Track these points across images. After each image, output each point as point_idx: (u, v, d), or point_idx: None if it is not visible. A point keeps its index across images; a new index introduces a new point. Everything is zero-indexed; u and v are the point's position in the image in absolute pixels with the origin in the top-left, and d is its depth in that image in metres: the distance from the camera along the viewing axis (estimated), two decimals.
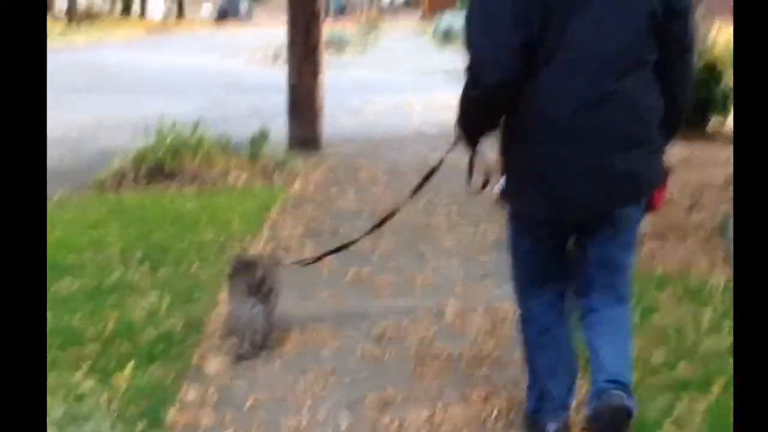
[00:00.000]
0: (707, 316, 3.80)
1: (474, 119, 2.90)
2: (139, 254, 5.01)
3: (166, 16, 48.07)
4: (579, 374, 3.09)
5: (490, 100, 2.79)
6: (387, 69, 16.92)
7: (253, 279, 3.89)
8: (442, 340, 3.85)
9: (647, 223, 5.03)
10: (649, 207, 2.91)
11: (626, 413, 2.81)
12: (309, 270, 4.80)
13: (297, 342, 3.86)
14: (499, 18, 2.71)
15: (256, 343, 3.76)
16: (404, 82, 14.47)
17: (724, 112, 8.57)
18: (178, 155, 7.12)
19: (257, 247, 5.22)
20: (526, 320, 3.09)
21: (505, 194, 2.90)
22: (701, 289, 4.15)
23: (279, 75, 9.23)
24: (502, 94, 2.76)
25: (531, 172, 2.81)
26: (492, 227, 5.36)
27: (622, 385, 2.83)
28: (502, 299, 4.08)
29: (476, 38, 2.79)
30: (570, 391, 3.05)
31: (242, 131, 8.81)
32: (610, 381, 2.83)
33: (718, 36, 9.39)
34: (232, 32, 31.48)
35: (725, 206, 5.38)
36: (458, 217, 5.71)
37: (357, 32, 24.38)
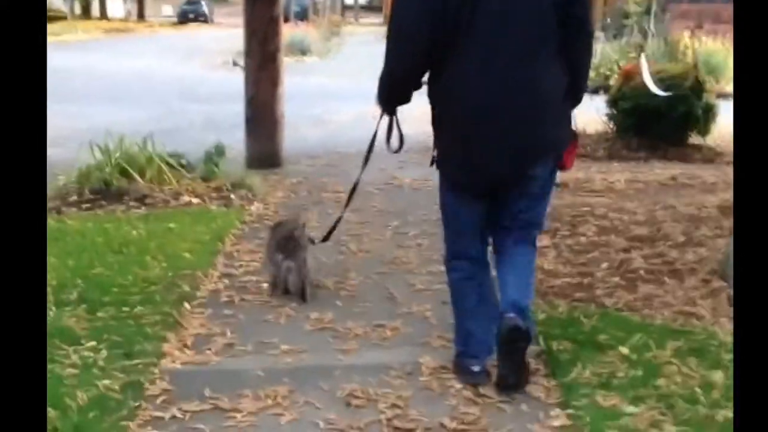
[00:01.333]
0: (719, 380, 3.34)
1: (387, 97, 3.56)
2: (75, 294, 4.48)
3: (126, 17, 47.20)
4: None
5: (397, 84, 3.44)
6: (350, 76, 16.41)
7: (281, 237, 4.57)
8: (418, 406, 3.36)
9: (642, 262, 4.73)
10: (561, 167, 3.44)
11: (522, 332, 3.32)
12: (264, 314, 4.32)
13: (251, 409, 3.34)
14: (409, 15, 3.24)
15: (296, 292, 4.49)
16: (367, 89, 13.98)
17: (705, 127, 8.19)
18: (127, 173, 6.58)
19: (207, 286, 4.70)
20: (452, 269, 3.61)
21: (436, 161, 3.49)
22: (708, 344, 3.70)
23: (238, 81, 8.67)
24: (407, 81, 3.39)
25: (453, 145, 3.39)
26: None
27: (519, 310, 3.35)
28: None
29: (391, 32, 3.33)
30: (491, 334, 3.45)
31: (197, 146, 8.29)
32: (509, 306, 3.34)
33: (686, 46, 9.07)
34: (192, 34, 30.77)
35: (722, 241, 4.97)
36: (430, 250, 5.22)
37: (319, 37, 23.84)
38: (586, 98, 3.59)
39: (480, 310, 3.52)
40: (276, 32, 7.67)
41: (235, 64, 16.97)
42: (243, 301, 4.50)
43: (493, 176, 3.34)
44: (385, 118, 3.71)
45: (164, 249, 5.28)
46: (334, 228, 4.54)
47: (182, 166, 6.88)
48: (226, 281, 4.78)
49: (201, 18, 46.15)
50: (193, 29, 36.10)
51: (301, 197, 6.75)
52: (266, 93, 7.70)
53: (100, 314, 4.23)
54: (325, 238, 4.56)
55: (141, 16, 47.83)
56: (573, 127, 3.44)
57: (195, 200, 6.40)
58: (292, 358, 3.81)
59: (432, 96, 3.40)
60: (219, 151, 6.92)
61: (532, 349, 3.56)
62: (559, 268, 4.67)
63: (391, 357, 3.81)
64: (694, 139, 8.32)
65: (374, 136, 3.89)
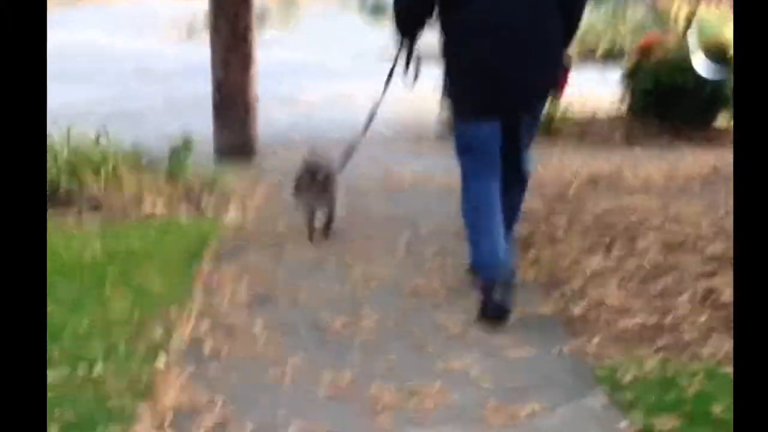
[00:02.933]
0: None
1: (402, 24, 3.88)
2: None
3: None
4: None
5: (407, 11, 3.86)
6: (315, 50, 15.26)
7: (309, 172, 4.71)
8: None
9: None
10: (555, 94, 3.94)
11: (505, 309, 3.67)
12: (262, 371, 3.35)
13: None
14: None
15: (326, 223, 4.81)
16: (337, 65, 12.80)
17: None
18: (77, 173, 5.50)
19: (186, 330, 3.70)
20: (468, 194, 3.87)
21: (446, 93, 3.88)
22: None
23: (198, 55, 7.56)
24: (419, 8, 3.81)
25: (463, 78, 3.79)
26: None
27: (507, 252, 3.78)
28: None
29: None
30: (501, 250, 3.76)
31: (158, 134, 7.22)
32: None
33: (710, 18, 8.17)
34: (146, 2, 29.05)
35: None
36: (455, 276, 4.25)
37: (277, 6, 22.55)
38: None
39: (493, 230, 3.78)
40: (248, 8, 6.61)
41: (191, 31, 15.76)
42: (233, 352, 3.52)
43: (506, 106, 3.76)
44: (404, 50, 3.98)
45: (127, 276, 4.27)
46: (350, 155, 4.80)
47: (143, 162, 5.83)
48: (208, 321, 3.79)
49: None
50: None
51: (284, 198, 5.73)
52: (237, 76, 6.65)
53: (48, 377, 3.22)
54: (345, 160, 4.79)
55: None
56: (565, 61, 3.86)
57: (160, 207, 5.36)
58: None
59: (445, 29, 3.80)
60: (186, 145, 5.87)
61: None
62: (629, 302, 3.74)
63: None
64: (719, 121, 7.42)
65: (392, 68, 4.10)
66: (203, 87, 6.88)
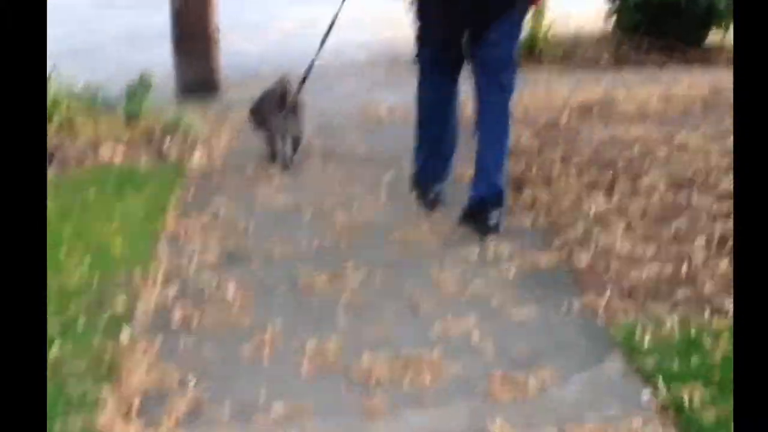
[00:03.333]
0: None
1: None
2: None
3: None
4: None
5: None
6: None
7: (278, 96, 4.63)
8: None
9: None
10: (532, 3, 3.87)
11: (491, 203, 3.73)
12: (239, 343, 3.01)
13: None
14: None
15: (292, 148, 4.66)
16: None
17: (725, 22, 6.85)
18: None
19: (151, 295, 3.33)
20: (423, 94, 3.91)
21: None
22: None
23: None
24: None
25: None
26: (510, 241, 3.61)
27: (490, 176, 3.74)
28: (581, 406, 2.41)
29: None
30: (448, 162, 3.98)
31: (118, 69, 6.74)
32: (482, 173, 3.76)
33: None
34: None
35: None
36: (446, 221, 3.89)
37: None
38: None
39: (444, 137, 3.91)
40: None
41: None
42: (204, 321, 3.16)
43: (462, 12, 3.68)
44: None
45: (84, 234, 3.87)
46: (308, 72, 4.63)
47: (99, 104, 5.36)
48: (176, 284, 3.41)
49: None
50: None
51: (252, 137, 5.31)
52: (196, 4, 6.14)
53: None
54: (301, 84, 4.62)
55: None
56: None
57: (119, 153, 4.92)
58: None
59: None
60: (144, 83, 5.40)
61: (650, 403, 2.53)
62: (639, 250, 3.40)
63: (441, 421, 2.54)
64: (713, 37, 7.00)
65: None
66: (166, 19, 6.36)
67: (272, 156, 4.74)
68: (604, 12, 7.38)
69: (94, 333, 3.06)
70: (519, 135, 4.86)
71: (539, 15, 6.87)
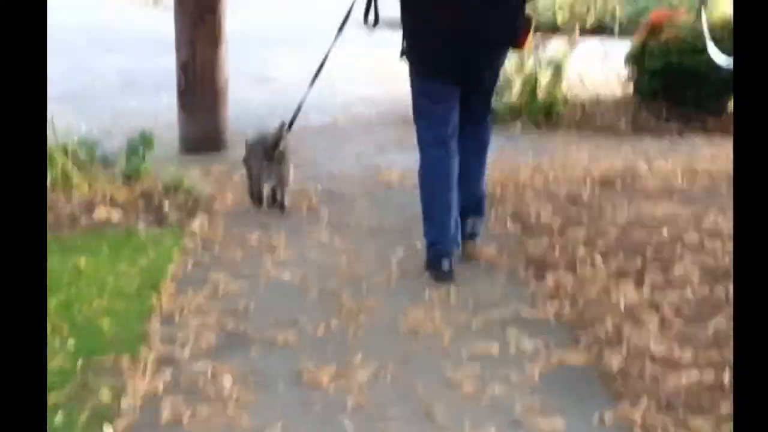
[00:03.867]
0: None
1: None
2: None
3: None
4: None
5: None
6: (284, 12, 14.39)
7: (267, 146, 4.72)
8: None
9: None
10: (516, 45, 3.94)
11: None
12: None
13: None
14: None
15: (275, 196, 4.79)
16: (308, 33, 11.78)
17: None
18: None
19: (140, 386, 3.03)
20: (427, 157, 3.93)
21: (406, 53, 3.89)
22: None
23: (164, 23, 6.76)
24: None
25: (421, 35, 3.84)
26: (534, 336, 3.31)
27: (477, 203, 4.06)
28: None
29: None
30: (457, 225, 3.95)
31: (115, 117, 6.52)
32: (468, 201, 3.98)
33: None
34: None
35: None
36: (462, 308, 3.60)
37: None
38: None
39: (451, 202, 3.87)
40: None
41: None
42: (197, 418, 2.86)
43: (457, 60, 3.78)
44: None
45: (70, 310, 3.58)
46: (295, 116, 4.76)
47: (96, 160, 5.10)
48: (168, 372, 3.12)
49: None
50: None
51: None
52: (205, 56, 5.90)
53: None
54: (289, 126, 4.75)
55: None
56: (526, 14, 3.84)
57: (115, 214, 4.65)
58: None
59: None
60: (146, 140, 5.15)
61: None
62: (675, 352, 3.10)
63: None
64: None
65: (349, 10, 4.24)
66: (169, 61, 6.11)
67: (256, 199, 4.87)
68: (622, 76, 7.16)
69: (73, 429, 2.77)
70: (539, 210, 4.61)
71: (558, 78, 6.66)
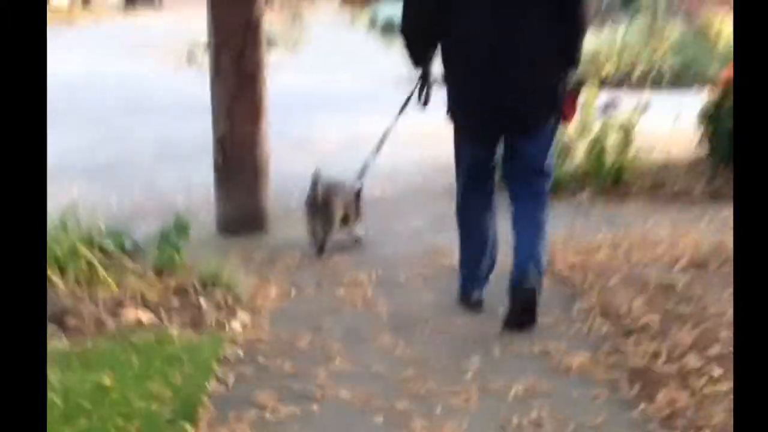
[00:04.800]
0: None
1: (409, 53, 4.04)
2: None
3: (70, 3, 43.92)
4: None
5: (410, 41, 3.99)
6: (328, 72, 13.99)
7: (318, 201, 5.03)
8: None
9: None
10: (564, 119, 3.94)
11: (533, 291, 3.84)
12: None
13: None
14: None
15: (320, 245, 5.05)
16: (351, 95, 11.43)
17: None
18: None
19: None
20: (463, 210, 4.12)
21: (449, 111, 4.00)
22: None
23: (200, 86, 6.27)
24: (417, 38, 3.98)
25: (460, 96, 3.94)
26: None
27: (532, 262, 3.85)
28: None
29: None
30: (491, 269, 4.13)
31: (148, 190, 6.04)
32: (524, 261, 3.85)
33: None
34: (141, 23, 27.60)
35: None
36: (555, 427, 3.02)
37: (282, 23, 21.24)
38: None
39: (486, 246, 4.06)
40: (257, 42, 5.33)
41: (191, 58, 14.43)
42: None
43: (496, 123, 3.88)
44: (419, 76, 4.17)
45: None
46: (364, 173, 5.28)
47: (125, 251, 4.59)
48: None
49: (152, 3, 42.71)
50: (141, 18, 32.40)
51: (307, 297, 4.48)
52: (244, 130, 5.39)
53: None
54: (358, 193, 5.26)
55: (86, 1, 44.39)
56: (571, 83, 3.83)
57: (146, 316, 4.12)
58: None
59: (443, 52, 3.92)
60: (181, 227, 4.62)
61: None
62: None
63: None
64: None
65: (410, 95, 4.29)
66: (206, 126, 5.64)
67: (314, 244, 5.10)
68: (693, 136, 6.57)
69: None
70: (630, 303, 3.99)
71: (627, 141, 6.09)
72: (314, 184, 5.01)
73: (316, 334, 3.94)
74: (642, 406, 3.14)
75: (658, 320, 3.75)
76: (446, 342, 3.82)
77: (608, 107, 6.12)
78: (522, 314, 3.81)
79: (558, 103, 3.81)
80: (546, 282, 4.38)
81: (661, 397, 3.15)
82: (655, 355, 3.46)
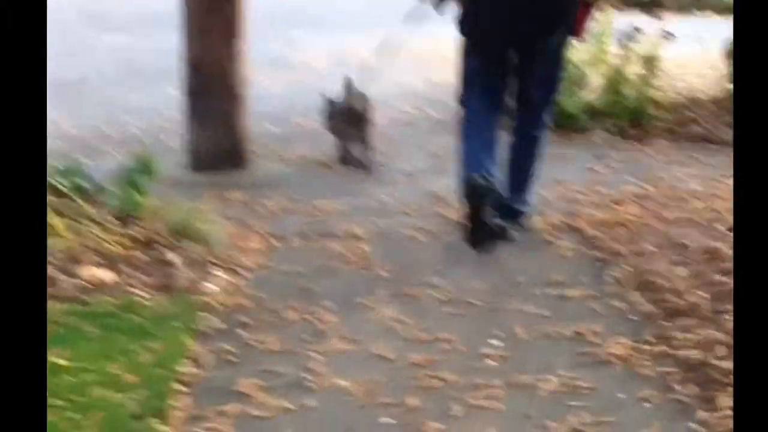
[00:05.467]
0: None
1: None
2: None
3: None
4: None
5: None
6: None
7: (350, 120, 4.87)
8: None
9: None
10: (573, 33, 3.83)
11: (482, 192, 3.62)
12: None
13: None
14: None
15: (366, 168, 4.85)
16: (335, 8, 10.58)
17: None
18: None
19: None
20: (464, 115, 3.89)
21: (460, 23, 3.82)
22: None
23: None
24: None
25: (470, 11, 3.79)
26: None
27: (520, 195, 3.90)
28: None
29: None
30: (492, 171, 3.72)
31: (110, 115, 5.45)
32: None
33: None
34: None
35: None
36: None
37: None
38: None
39: (488, 144, 3.80)
40: None
41: None
42: None
43: (507, 39, 3.76)
44: None
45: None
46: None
47: (82, 191, 3.95)
48: None
49: None
50: None
51: (294, 251, 3.91)
52: (219, 51, 4.72)
53: None
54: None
55: None
56: None
57: (107, 275, 3.52)
58: None
59: None
60: (146, 165, 3.99)
61: None
62: None
63: None
64: None
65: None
66: (176, 43, 4.87)
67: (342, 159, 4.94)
68: (720, 69, 5.95)
69: None
70: (671, 276, 3.43)
71: (651, 74, 5.48)
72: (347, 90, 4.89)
73: (305, 300, 3.37)
74: (700, 413, 2.62)
75: (708, 300, 3.20)
76: (458, 317, 3.26)
77: (629, 35, 5.48)
78: (474, 226, 3.66)
79: (567, 14, 3.72)
80: (569, 241, 3.87)
81: (720, 400, 2.63)
82: (709, 345, 2.92)
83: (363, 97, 4.88)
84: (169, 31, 5.31)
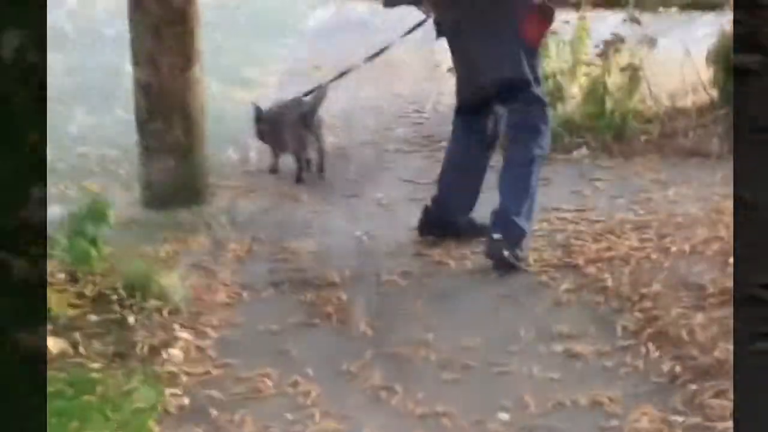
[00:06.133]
0: None
1: None
2: None
3: None
4: None
5: None
6: None
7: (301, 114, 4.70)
8: None
9: None
10: (524, 36, 3.66)
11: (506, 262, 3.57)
12: None
13: None
14: None
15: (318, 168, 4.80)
16: (306, 16, 10.01)
17: None
18: None
19: None
20: (458, 124, 3.97)
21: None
22: None
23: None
24: None
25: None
26: None
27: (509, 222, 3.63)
28: None
29: None
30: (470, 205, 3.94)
31: (57, 155, 5.00)
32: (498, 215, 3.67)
33: None
34: None
35: None
36: None
37: None
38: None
39: (462, 187, 3.93)
40: None
41: None
42: None
43: (484, 87, 3.80)
44: None
45: None
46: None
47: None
48: None
49: None
50: None
51: (265, 303, 3.51)
52: (174, 74, 4.30)
53: None
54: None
55: None
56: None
57: (57, 343, 3.09)
58: None
59: None
60: (96, 212, 3.55)
61: None
62: None
63: None
64: None
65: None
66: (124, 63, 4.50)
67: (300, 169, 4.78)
68: (703, 77, 5.62)
69: None
70: (689, 323, 3.09)
71: (635, 85, 5.16)
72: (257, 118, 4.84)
73: (282, 366, 2.98)
74: None
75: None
76: (456, 383, 2.90)
77: (609, 44, 5.16)
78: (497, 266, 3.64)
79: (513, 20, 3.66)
80: (567, 282, 3.53)
81: None
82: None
83: (299, 102, 4.78)
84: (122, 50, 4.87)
